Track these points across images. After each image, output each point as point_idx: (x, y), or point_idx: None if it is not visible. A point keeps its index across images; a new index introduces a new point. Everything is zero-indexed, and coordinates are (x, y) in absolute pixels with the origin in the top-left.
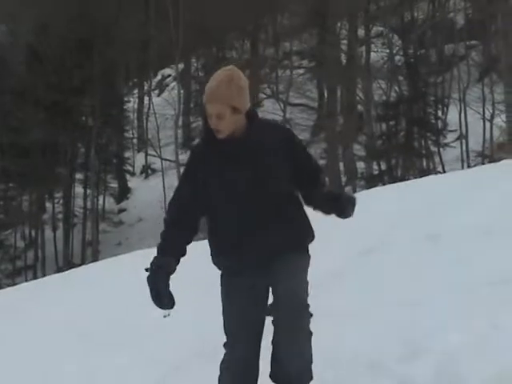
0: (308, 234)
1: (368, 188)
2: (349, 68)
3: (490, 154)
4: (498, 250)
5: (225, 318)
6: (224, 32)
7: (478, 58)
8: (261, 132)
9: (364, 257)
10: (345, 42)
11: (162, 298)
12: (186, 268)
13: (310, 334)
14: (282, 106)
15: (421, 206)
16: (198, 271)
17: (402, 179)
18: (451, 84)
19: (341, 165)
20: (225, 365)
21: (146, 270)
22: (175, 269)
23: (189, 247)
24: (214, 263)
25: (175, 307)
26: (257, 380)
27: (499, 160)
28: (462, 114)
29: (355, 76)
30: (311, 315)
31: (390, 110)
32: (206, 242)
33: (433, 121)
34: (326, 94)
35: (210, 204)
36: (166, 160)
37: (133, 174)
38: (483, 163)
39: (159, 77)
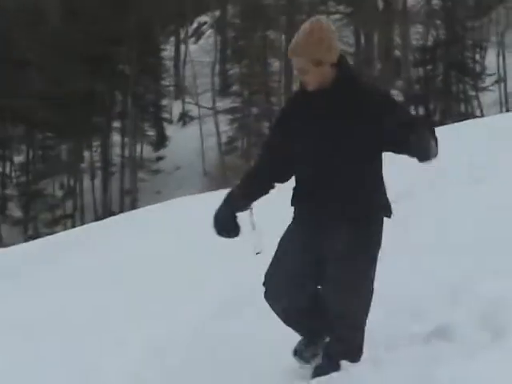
0: (371, 210)
1: None
2: (386, 13)
3: None
4: None
5: (271, 262)
6: None
7: None
8: (350, 91)
9: (400, 201)
10: None
11: (226, 225)
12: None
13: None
14: None
15: (461, 150)
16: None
17: (441, 124)
18: (489, 27)
19: None
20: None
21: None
22: (242, 207)
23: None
24: (292, 204)
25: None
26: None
27: None
28: (501, 58)
29: (392, 21)
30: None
31: (428, 54)
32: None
33: (471, 65)
34: (362, 40)
35: (294, 153)
36: (203, 107)
37: (170, 121)
38: None
39: (195, 24)
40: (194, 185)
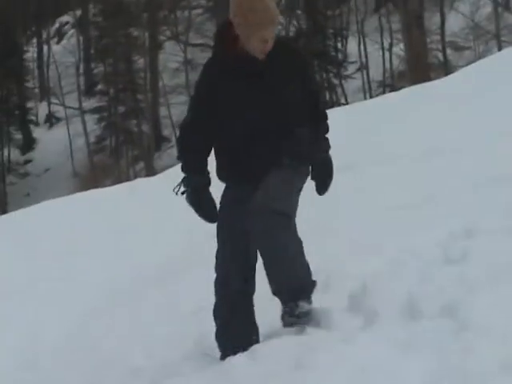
0: (304, 155)
1: None
2: None
3: (392, 83)
4: (404, 177)
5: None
6: None
7: None
8: (281, 54)
9: None
10: None
11: (213, 213)
12: None
13: (292, 246)
14: (182, 47)
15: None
16: None
17: None
18: (349, 16)
19: None
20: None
21: (183, 193)
22: (210, 182)
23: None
24: (220, 177)
25: None
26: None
27: (400, 89)
28: (362, 45)
29: None
30: (294, 226)
31: None
32: None
33: (333, 53)
34: None
35: (220, 121)
36: (69, 108)
37: (37, 123)
38: (384, 92)
39: (57, 24)
40: (64, 186)
